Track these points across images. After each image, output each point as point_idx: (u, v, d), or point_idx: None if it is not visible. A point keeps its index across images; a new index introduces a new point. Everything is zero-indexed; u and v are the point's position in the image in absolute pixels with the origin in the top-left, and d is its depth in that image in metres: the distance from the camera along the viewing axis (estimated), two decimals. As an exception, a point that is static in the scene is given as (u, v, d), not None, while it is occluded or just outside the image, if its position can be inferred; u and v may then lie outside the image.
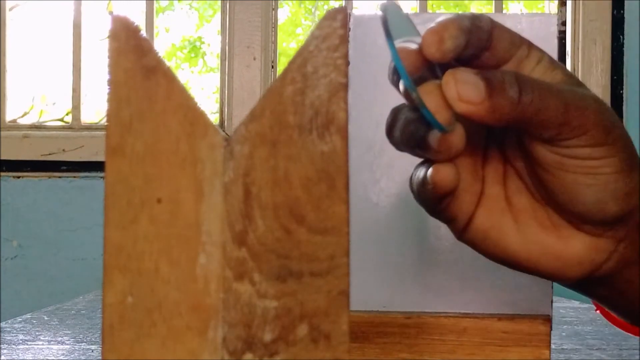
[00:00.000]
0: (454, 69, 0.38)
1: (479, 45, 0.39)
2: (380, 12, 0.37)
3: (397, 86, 0.39)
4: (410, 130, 0.39)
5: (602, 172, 0.39)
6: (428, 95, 0.37)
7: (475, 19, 0.39)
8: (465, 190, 0.41)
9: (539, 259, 0.41)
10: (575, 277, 0.41)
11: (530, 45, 0.40)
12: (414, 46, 0.38)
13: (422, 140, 0.39)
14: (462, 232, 0.42)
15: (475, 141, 0.41)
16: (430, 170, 0.39)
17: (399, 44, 0.37)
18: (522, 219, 0.41)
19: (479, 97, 0.37)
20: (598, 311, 0.79)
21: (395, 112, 0.40)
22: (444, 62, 0.38)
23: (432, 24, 0.38)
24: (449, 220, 0.42)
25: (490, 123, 0.38)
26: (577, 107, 0.38)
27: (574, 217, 0.40)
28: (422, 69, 0.38)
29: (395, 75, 0.39)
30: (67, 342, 0.66)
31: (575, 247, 0.41)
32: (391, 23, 0.37)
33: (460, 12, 0.52)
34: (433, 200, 0.40)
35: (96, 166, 1.75)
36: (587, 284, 0.42)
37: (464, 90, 0.37)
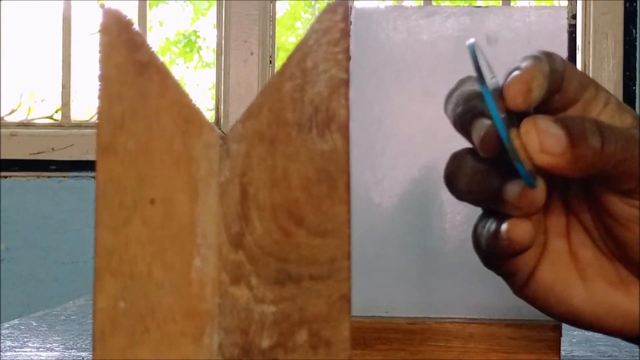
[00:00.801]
0: (533, 117, 0.35)
1: (554, 89, 0.37)
2: (469, 52, 0.34)
3: (461, 130, 0.37)
4: (480, 182, 0.37)
5: None
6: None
7: (551, 60, 0.37)
8: None
9: (605, 317, 0.39)
10: None
11: (597, 86, 0.39)
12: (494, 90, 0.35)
13: (496, 193, 0.37)
14: (522, 287, 0.40)
15: None
16: (505, 226, 0.37)
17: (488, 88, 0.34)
18: (588, 275, 0.40)
19: (560, 148, 0.35)
20: None
21: (458, 159, 0.38)
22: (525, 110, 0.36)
23: (516, 72, 0.35)
24: (509, 274, 0.40)
25: (569, 175, 0.36)
26: None
27: None
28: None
29: (463, 117, 0.36)
30: (56, 348, 0.65)
31: None
32: (481, 66, 0.34)
33: (464, 4, 0.50)
34: (504, 256, 0.38)
35: (87, 166, 1.73)
36: None
37: (546, 141, 0.35)
